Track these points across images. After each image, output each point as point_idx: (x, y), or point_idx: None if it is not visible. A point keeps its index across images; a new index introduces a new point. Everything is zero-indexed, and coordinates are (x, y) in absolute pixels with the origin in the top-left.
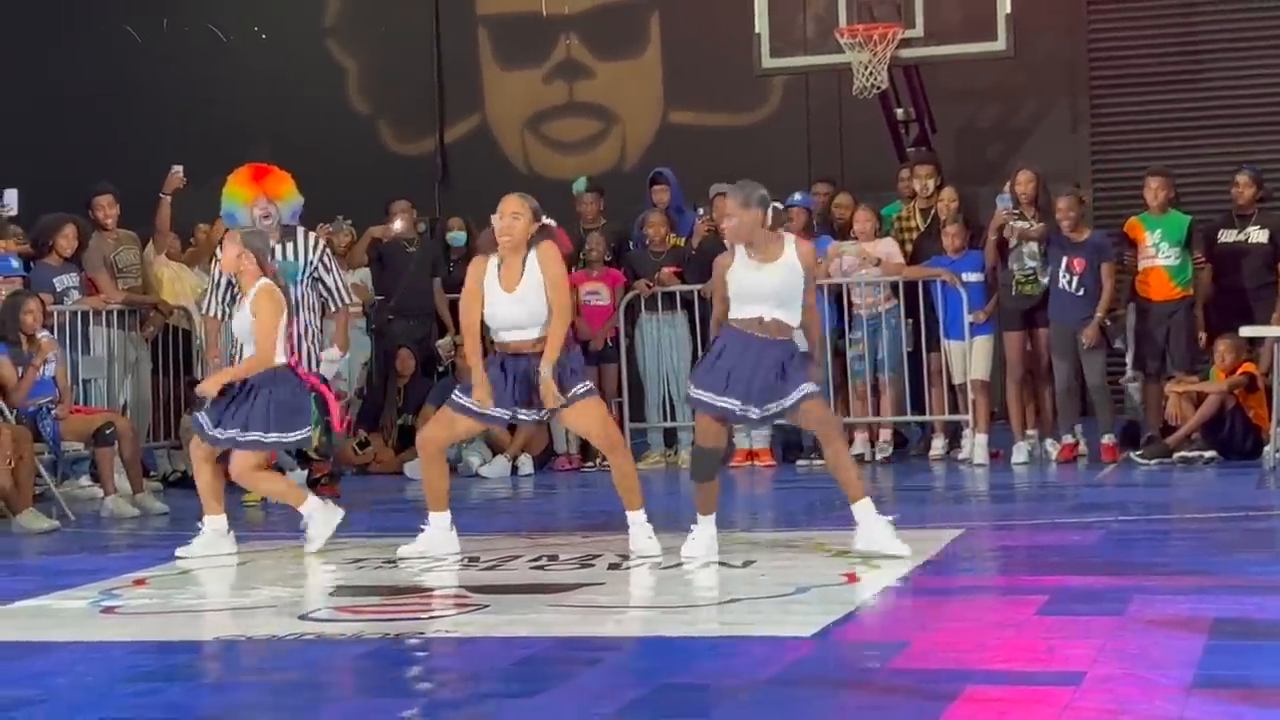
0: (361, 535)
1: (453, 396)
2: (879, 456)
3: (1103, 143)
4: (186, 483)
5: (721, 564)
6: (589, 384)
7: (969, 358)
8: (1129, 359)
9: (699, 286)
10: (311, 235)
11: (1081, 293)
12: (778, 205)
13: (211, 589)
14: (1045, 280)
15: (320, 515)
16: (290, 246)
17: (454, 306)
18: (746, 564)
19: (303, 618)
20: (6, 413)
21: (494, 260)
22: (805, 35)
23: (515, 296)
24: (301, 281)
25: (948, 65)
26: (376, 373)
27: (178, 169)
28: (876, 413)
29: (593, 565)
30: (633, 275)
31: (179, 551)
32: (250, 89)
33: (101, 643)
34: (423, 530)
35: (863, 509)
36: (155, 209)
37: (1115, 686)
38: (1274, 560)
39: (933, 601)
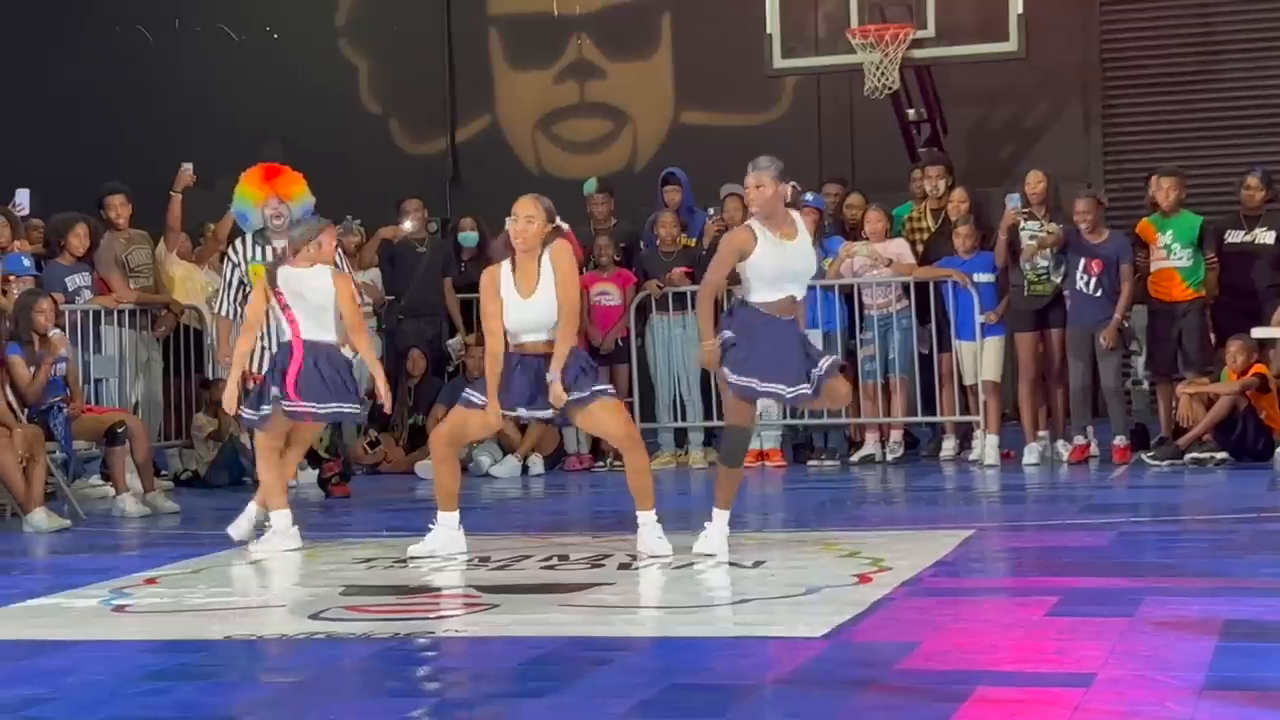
0: (373, 535)
1: (464, 395)
2: (890, 457)
3: (1115, 144)
4: (198, 482)
5: (732, 564)
6: (607, 384)
7: (980, 359)
8: (1142, 361)
9: None
10: None
11: (1099, 294)
12: (795, 184)
13: (222, 588)
14: (1057, 280)
15: (280, 537)
16: None
17: (465, 306)
18: (757, 564)
19: (313, 617)
20: (19, 412)
21: (505, 266)
22: (817, 35)
23: (533, 301)
24: None
25: (959, 66)
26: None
27: (187, 166)
28: (887, 413)
29: (603, 565)
30: (644, 276)
31: (252, 548)
32: (262, 89)
33: (112, 641)
34: (430, 529)
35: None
36: (166, 206)
37: (1126, 688)
38: None
39: (943, 602)
